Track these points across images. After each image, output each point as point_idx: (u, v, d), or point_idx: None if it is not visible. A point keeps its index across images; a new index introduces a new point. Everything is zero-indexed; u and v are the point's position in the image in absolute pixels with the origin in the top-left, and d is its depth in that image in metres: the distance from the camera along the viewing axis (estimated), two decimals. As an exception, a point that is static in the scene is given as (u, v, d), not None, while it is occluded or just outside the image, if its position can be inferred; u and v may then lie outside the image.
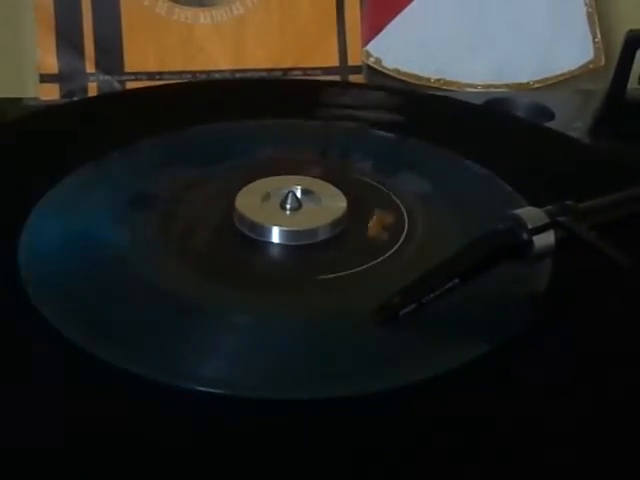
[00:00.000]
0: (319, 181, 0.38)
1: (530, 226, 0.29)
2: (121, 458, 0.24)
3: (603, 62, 0.59)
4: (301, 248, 0.34)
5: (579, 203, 0.31)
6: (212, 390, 0.26)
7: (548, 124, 0.51)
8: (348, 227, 0.35)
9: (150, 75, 0.56)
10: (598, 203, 0.31)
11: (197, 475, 0.24)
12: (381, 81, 0.58)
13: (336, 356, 0.29)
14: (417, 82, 0.59)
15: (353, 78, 0.58)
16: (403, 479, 0.24)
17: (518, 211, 0.30)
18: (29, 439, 0.25)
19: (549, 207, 0.30)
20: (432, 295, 0.28)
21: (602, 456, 0.25)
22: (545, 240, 0.29)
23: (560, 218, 0.29)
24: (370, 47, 0.58)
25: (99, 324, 0.29)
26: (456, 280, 0.29)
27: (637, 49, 0.50)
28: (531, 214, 0.30)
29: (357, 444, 0.25)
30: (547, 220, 0.29)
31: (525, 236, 0.29)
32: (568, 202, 0.30)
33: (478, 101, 0.53)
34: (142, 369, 0.27)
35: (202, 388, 0.26)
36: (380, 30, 0.58)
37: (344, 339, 0.29)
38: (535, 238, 0.29)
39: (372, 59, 0.58)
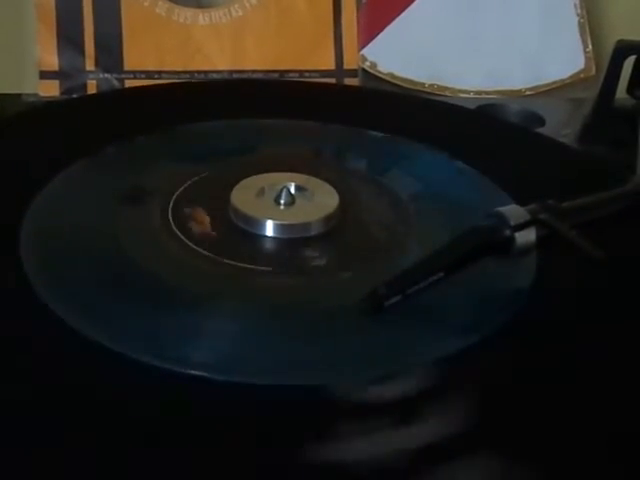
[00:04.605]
0: (312, 178, 0.39)
1: (512, 223, 0.31)
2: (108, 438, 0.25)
3: (594, 71, 0.60)
4: (293, 241, 0.35)
5: (561, 203, 0.32)
6: (199, 373, 0.27)
7: (538, 130, 0.52)
8: (339, 222, 0.37)
9: (149, 74, 0.57)
10: (578, 203, 0.32)
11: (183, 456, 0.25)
12: (376, 85, 0.59)
13: (321, 345, 0.30)
14: (411, 86, 0.60)
15: (348, 81, 0.58)
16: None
17: (502, 209, 0.31)
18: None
19: (532, 205, 0.31)
20: (417, 287, 0.29)
21: (595, 454, 0.26)
22: (527, 237, 0.31)
23: (541, 216, 0.31)
24: (365, 51, 0.59)
25: (92, 307, 0.30)
26: (441, 273, 0.30)
27: (625, 59, 0.51)
28: (514, 212, 0.31)
29: (336, 431, 0.26)
30: (529, 217, 0.31)
31: (507, 232, 0.30)
32: (550, 201, 0.31)
33: (471, 106, 0.54)
34: (133, 352, 0.28)
35: (191, 371, 0.27)
36: (376, 35, 0.59)
37: (331, 329, 0.30)
38: (517, 235, 0.30)
39: (367, 63, 0.59)
